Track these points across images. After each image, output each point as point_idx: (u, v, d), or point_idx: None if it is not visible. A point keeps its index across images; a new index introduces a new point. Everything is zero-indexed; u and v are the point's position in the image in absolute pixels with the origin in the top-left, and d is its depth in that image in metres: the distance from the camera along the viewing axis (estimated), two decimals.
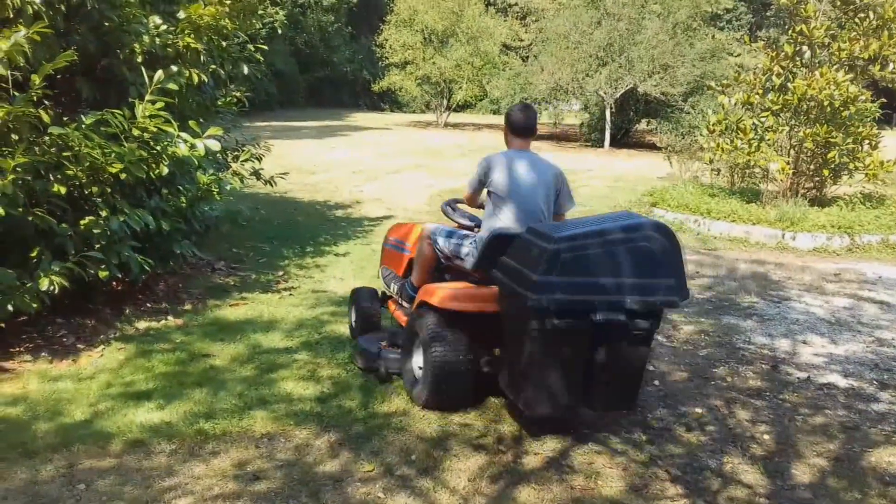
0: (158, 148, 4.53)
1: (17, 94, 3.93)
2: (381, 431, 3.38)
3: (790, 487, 3.04)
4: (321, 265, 6.66)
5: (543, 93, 19.74)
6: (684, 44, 18.13)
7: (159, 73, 4.52)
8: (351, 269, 6.47)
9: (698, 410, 3.78)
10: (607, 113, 19.00)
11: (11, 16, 4.22)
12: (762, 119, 9.27)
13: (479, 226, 3.97)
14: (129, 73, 4.95)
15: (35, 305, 4.01)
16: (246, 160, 6.43)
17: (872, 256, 7.85)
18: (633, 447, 3.34)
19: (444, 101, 25.98)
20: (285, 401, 3.68)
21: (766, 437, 3.50)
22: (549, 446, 3.31)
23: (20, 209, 3.91)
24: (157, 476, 2.93)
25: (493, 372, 3.56)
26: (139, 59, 4.95)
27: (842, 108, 8.67)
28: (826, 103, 8.61)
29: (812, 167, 9.45)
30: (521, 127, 3.77)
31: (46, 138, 4.05)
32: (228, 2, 5.35)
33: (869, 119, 9.46)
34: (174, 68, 4.92)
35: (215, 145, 4.86)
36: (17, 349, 4.25)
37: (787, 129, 9.18)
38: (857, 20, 9.02)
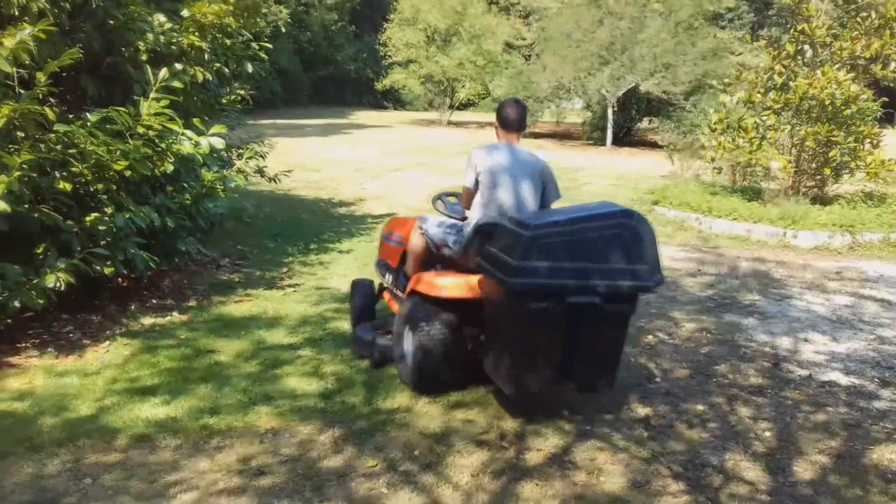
0: (163, 145, 4.56)
1: (22, 91, 3.96)
2: (385, 427, 3.40)
3: (791, 484, 3.06)
4: (325, 262, 6.68)
5: (546, 91, 19.71)
6: (686, 43, 18.10)
7: (164, 71, 4.54)
8: (354, 265, 6.50)
9: (700, 407, 3.79)
10: (609, 111, 19.00)
11: (17, 13, 4.25)
12: (764, 118, 9.26)
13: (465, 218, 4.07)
14: (133, 71, 4.98)
15: (41, 302, 4.04)
16: (250, 158, 6.46)
17: (874, 255, 7.85)
18: (635, 443, 3.35)
19: (447, 100, 25.99)
20: (289, 396, 3.70)
21: (767, 434, 3.51)
22: (551, 442, 3.33)
23: (26, 206, 3.93)
24: (163, 471, 2.96)
25: (479, 356, 3.69)
26: (144, 57, 4.98)
27: (843, 107, 8.66)
28: (827, 102, 8.61)
29: (813, 166, 9.44)
30: (510, 121, 3.90)
31: (52, 136, 4.07)
32: (232, 0, 5.37)
33: (870, 118, 9.44)
34: (178, 66, 4.95)
35: (219, 143, 4.88)
36: (24, 345, 4.28)
37: (788, 127, 9.18)
38: (858, 19, 9.01)
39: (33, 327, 4.52)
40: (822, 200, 9.34)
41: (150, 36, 4.97)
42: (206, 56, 5.34)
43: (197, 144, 4.71)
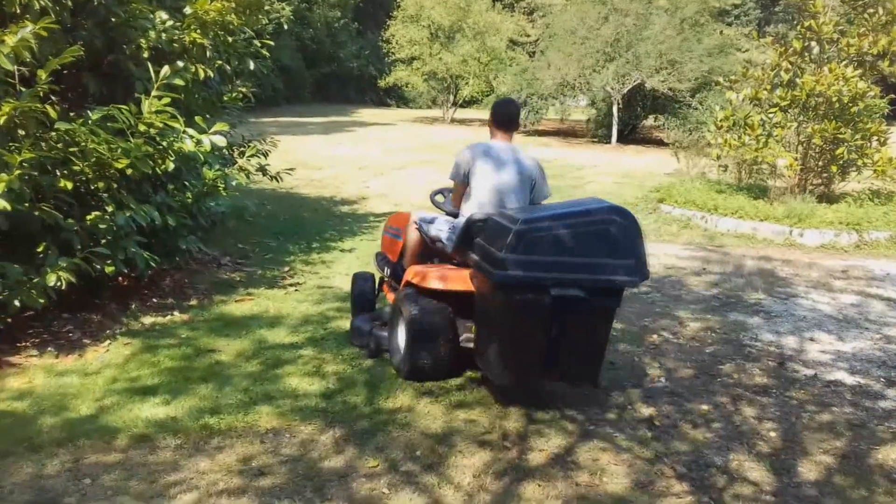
0: (164, 143, 4.55)
1: (23, 89, 3.94)
2: (386, 427, 3.38)
3: (796, 485, 3.03)
4: (327, 261, 6.67)
5: (550, 88, 19.64)
6: (692, 39, 18.01)
7: (165, 69, 4.52)
8: (357, 264, 6.47)
9: (704, 407, 3.76)
10: (614, 109, 18.92)
11: (18, 11, 4.24)
12: (770, 115, 9.21)
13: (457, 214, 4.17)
14: (135, 69, 4.96)
15: (41, 301, 4.03)
16: (252, 156, 6.44)
17: (880, 253, 7.80)
18: (638, 444, 3.33)
19: (451, 97, 25.92)
20: (290, 396, 3.68)
21: (772, 434, 3.48)
22: (553, 442, 3.30)
23: (27, 204, 3.92)
24: (163, 471, 2.94)
25: (470, 347, 3.77)
26: (145, 55, 4.96)
27: (850, 104, 8.60)
28: (834, 99, 8.55)
29: (820, 163, 9.38)
30: (502, 119, 4.05)
31: (53, 134, 4.06)
32: None
33: (877, 115, 9.38)
34: (180, 64, 4.93)
35: (221, 141, 4.86)
36: (24, 344, 4.27)
37: (795, 125, 9.12)
38: (865, 16, 8.94)
39: (33, 326, 4.51)
40: (829, 198, 9.28)
41: (151, 33, 4.95)
42: (208, 53, 5.31)
43: (198, 142, 4.69)
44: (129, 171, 4.30)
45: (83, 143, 4.10)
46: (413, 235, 4.24)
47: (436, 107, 27.52)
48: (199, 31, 5.17)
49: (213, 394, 3.68)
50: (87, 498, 2.75)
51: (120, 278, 5.16)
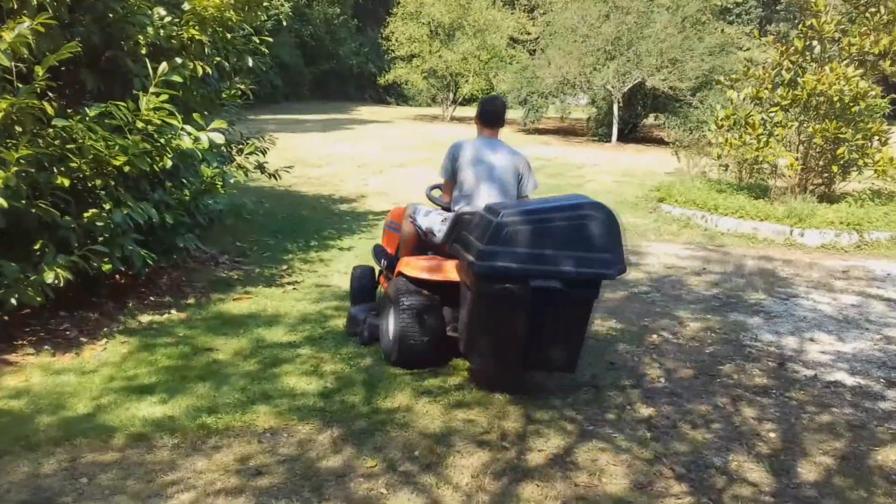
0: (162, 140, 4.52)
1: (20, 85, 3.91)
2: (384, 427, 3.37)
3: (796, 486, 3.02)
4: (325, 259, 6.65)
5: (550, 87, 19.58)
6: (693, 38, 17.97)
7: (163, 65, 4.50)
8: (355, 262, 6.43)
9: (704, 408, 3.74)
10: (615, 107, 18.88)
11: (16, 7, 4.21)
12: (771, 114, 9.19)
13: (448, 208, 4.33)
14: (133, 65, 4.94)
15: (39, 299, 4.01)
16: (250, 153, 6.42)
17: (881, 253, 7.78)
18: (637, 444, 3.31)
19: (451, 95, 25.85)
20: (288, 396, 3.67)
21: (771, 434, 3.47)
22: (552, 443, 3.29)
23: (24, 201, 3.90)
24: (160, 470, 2.92)
25: (456, 336, 3.91)
26: (143, 51, 4.94)
27: (851, 104, 8.59)
28: (836, 99, 8.53)
29: (821, 163, 9.37)
30: (488, 117, 4.24)
31: (50, 130, 4.04)
32: None
33: (879, 115, 9.37)
34: (178, 60, 4.91)
35: (219, 138, 4.84)
36: (21, 342, 4.26)
37: (796, 124, 9.10)
38: (867, 15, 8.91)
39: (30, 324, 4.50)
40: (830, 198, 9.27)
41: (149, 29, 4.93)
42: (207, 50, 5.29)
43: (196, 140, 4.66)
44: (126, 169, 4.28)
45: (80, 140, 4.08)
46: (408, 228, 4.35)
47: (435, 104, 27.46)
48: (197, 27, 5.14)
49: (211, 393, 3.66)
50: (84, 497, 2.73)
51: (117, 276, 5.15)
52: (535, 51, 21.95)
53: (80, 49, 4.05)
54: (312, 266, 6.38)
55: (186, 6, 5.18)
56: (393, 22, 25.17)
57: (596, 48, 18.52)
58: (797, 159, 9.11)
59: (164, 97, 4.44)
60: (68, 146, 4.09)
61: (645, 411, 3.68)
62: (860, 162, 9.02)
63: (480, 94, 28.30)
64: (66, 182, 4.12)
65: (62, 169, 4.14)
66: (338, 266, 6.36)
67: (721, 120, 9.50)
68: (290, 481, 2.88)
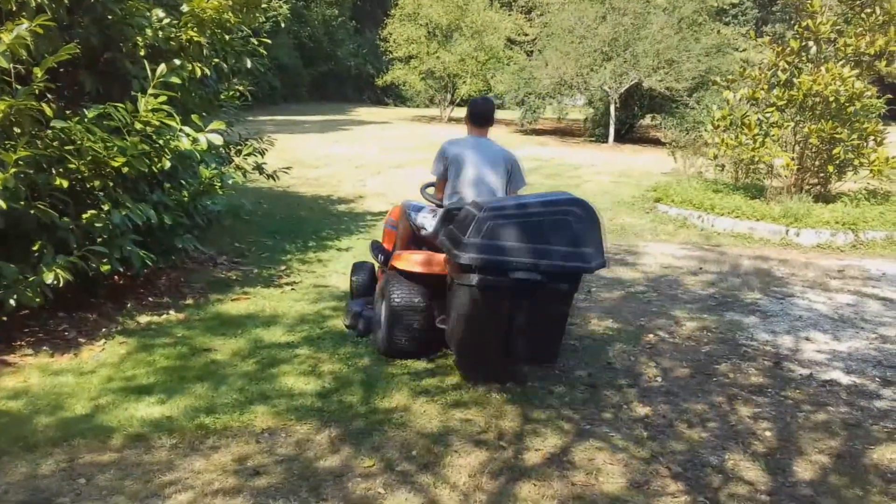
0: (161, 142, 4.53)
1: (19, 87, 3.92)
2: (382, 427, 3.38)
3: (791, 484, 3.03)
4: (323, 260, 6.66)
5: (548, 87, 19.60)
6: (690, 39, 18.00)
7: (162, 67, 4.51)
8: (353, 263, 6.46)
9: (700, 407, 3.76)
10: (612, 108, 18.90)
11: (14, 8, 4.22)
12: (767, 114, 9.22)
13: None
14: (131, 67, 4.95)
15: (38, 299, 4.01)
16: (249, 154, 6.43)
17: (877, 253, 7.81)
18: (634, 443, 3.33)
19: (448, 96, 25.86)
20: (286, 396, 3.68)
21: (767, 433, 3.49)
22: (549, 442, 3.30)
23: (22, 203, 3.90)
24: (158, 470, 2.93)
25: (444, 328, 3.99)
26: (142, 53, 4.95)
27: (847, 104, 8.62)
28: (831, 99, 8.56)
29: (817, 163, 9.39)
30: (478, 117, 4.36)
31: (49, 132, 4.05)
32: None
33: (874, 115, 9.40)
34: (177, 62, 4.92)
35: (218, 139, 4.84)
36: (19, 343, 4.26)
37: (792, 124, 9.13)
38: (863, 15, 8.95)
39: (29, 325, 4.50)
40: (826, 198, 9.30)
41: (148, 31, 4.94)
42: (205, 51, 5.30)
43: (195, 141, 4.67)
44: (125, 170, 4.29)
45: (79, 142, 4.09)
46: (402, 224, 4.54)
47: (433, 105, 27.47)
48: (195, 29, 5.15)
49: (209, 393, 3.67)
50: (82, 498, 2.74)
51: (116, 277, 5.15)
52: (532, 52, 21.96)
53: (78, 51, 4.06)
54: (311, 266, 6.39)
55: (185, 8, 5.19)
56: (391, 23, 25.18)
57: (593, 49, 18.55)
58: (793, 159, 9.14)
59: (162, 99, 4.44)
60: (67, 147, 4.10)
61: (641, 410, 3.69)
62: (856, 162, 9.05)
63: (478, 95, 28.37)
64: (65, 183, 4.13)
65: (61, 170, 4.15)
66: (336, 266, 6.37)
67: (717, 120, 9.53)
68: (288, 481, 2.89)
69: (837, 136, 8.67)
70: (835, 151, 8.84)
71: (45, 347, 4.22)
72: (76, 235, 4.23)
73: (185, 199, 5.00)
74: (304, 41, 31.30)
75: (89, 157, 4.14)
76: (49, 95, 4.37)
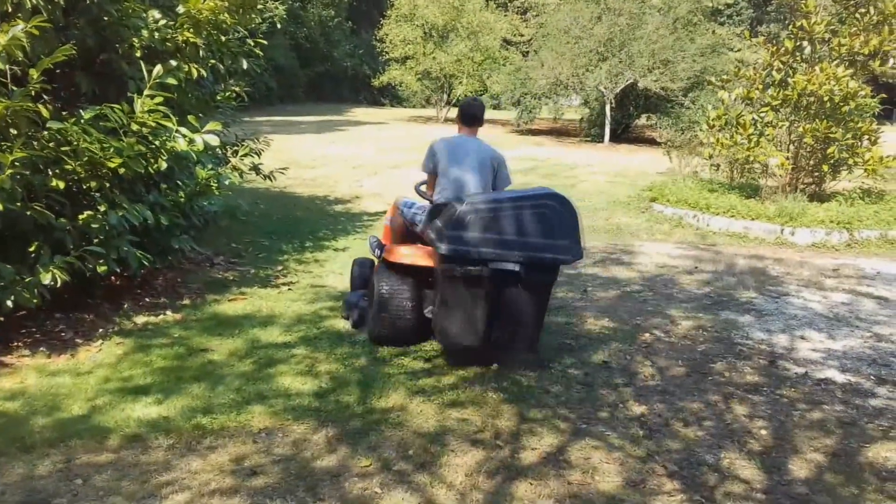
0: (157, 143, 4.53)
1: (15, 88, 3.92)
2: (379, 426, 3.39)
3: (787, 482, 3.05)
4: (320, 260, 6.66)
5: (543, 88, 19.63)
6: (685, 39, 18.05)
7: (158, 68, 4.51)
8: (350, 263, 6.46)
9: (696, 406, 3.78)
10: (607, 108, 18.94)
11: (10, 9, 4.21)
12: (762, 114, 9.25)
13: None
14: (127, 68, 4.95)
15: (34, 300, 4.01)
16: (245, 155, 6.43)
17: (871, 252, 7.84)
18: (630, 442, 3.34)
19: (445, 96, 25.88)
20: (283, 396, 3.68)
21: (763, 432, 3.50)
22: (546, 441, 3.31)
23: (19, 204, 3.90)
24: (155, 471, 2.94)
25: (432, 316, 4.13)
26: (138, 54, 4.94)
27: (841, 104, 8.65)
28: (826, 98, 8.59)
29: (811, 162, 9.43)
30: (468, 117, 4.48)
31: (45, 133, 4.04)
32: None
33: (869, 114, 9.44)
34: (173, 63, 4.91)
35: (214, 140, 4.85)
36: (16, 344, 4.26)
37: (786, 124, 9.17)
38: (857, 15, 8.99)
39: (26, 326, 4.50)
40: (820, 197, 9.33)
41: (144, 32, 4.94)
42: (201, 52, 5.30)
43: (191, 141, 4.67)
44: (121, 171, 4.29)
45: (75, 143, 4.09)
46: (396, 219, 4.71)
47: (430, 106, 27.47)
48: (192, 30, 5.15)
49: (206, 393, 3.67)
50: (79, 498, 2.74)
51: (112, 278, 5.16)
52: (528, 52, 21.99)
53: (74, 52, 4.06)
54: (307, 267, 6.39)
55: (181, 9, 5.19)
56: (387, 24, 25.19)
57: (588, 49, 18.58)
58: (788, 159, 9.18)
59: (158, 100, 4.45)
60: (63, 148, 4.10)
61: (637, 409, 3.71)
62: (850, 161, 9.09)
63: (474, 96, 28.36)
64: (62, 184, 4.13)
65: (57, 171, 4.15)
66: (332, 266, 6.38)
67: (712, 120, 9.56)
68: (285, 481, 2.89)
69: (832, 135, 8.71)
70: (829, 151, 8.87)
71: (41, 348, 4.21)
72: (73, 236, 4.23)
73: (182, 199, 5.00)
74: (301, 42, 31.29)
75: (86, 158, 4.14)
76: (45, 97, 4.36)
